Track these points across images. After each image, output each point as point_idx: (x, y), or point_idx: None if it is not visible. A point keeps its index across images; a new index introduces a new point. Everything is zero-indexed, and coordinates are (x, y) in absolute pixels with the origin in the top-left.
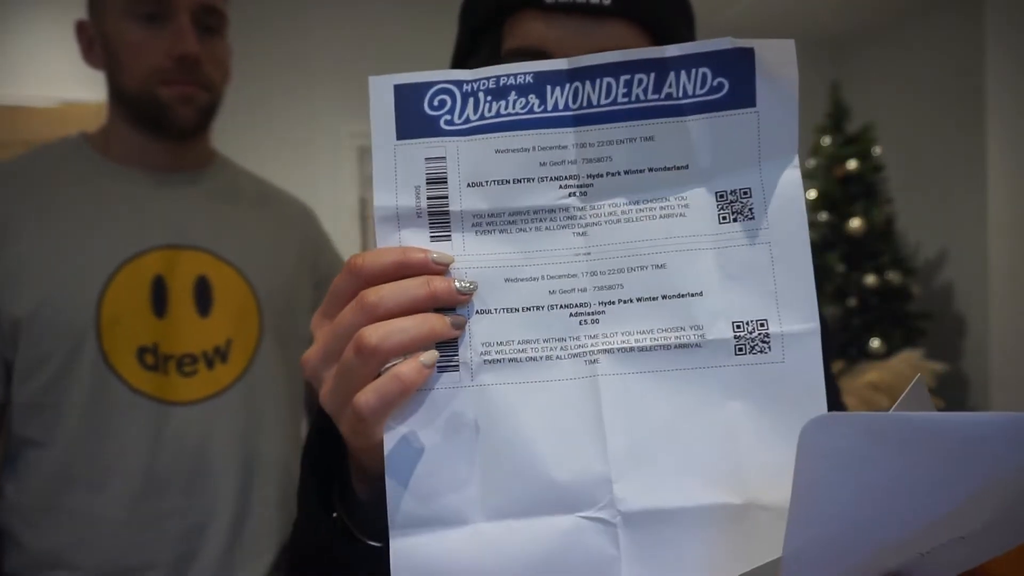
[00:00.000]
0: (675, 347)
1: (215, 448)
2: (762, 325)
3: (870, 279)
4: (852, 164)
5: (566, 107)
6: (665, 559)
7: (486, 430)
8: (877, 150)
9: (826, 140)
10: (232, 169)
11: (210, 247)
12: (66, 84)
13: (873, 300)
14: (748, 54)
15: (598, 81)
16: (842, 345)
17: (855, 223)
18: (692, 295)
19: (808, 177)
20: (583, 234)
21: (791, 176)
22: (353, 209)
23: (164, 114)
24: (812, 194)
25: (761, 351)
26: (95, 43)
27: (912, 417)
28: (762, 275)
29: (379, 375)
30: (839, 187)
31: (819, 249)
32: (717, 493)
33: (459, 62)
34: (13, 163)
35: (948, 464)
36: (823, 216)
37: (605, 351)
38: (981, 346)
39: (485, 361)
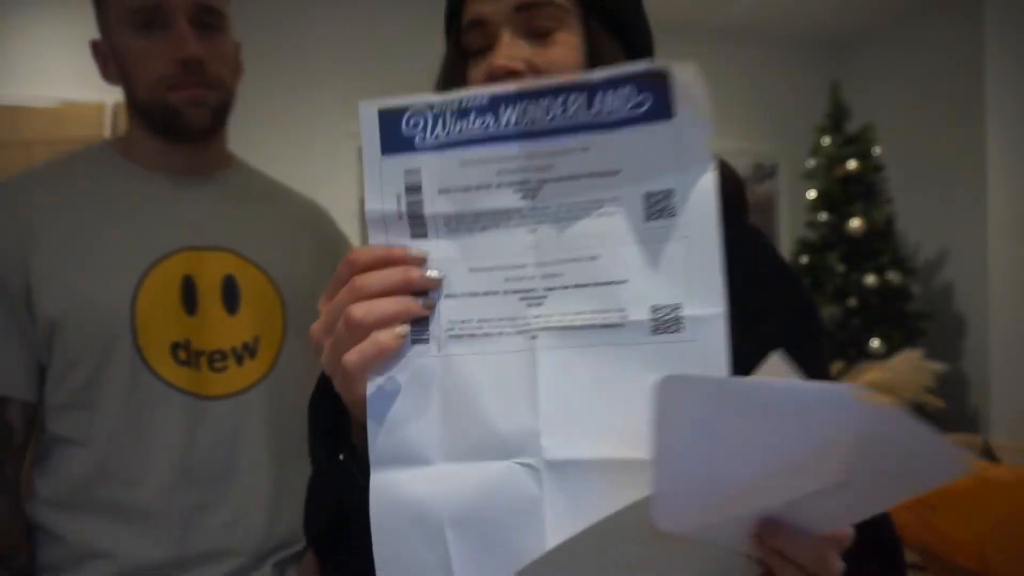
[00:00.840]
0: (602, 327)
1: (247, 441)
2: (676, 309)
3: (870, 279)
4: (852, 164)
5: (516, 124)
6: (579, 499)
7: (448, 390)
8: (877, 150)
9: (826, 140)
10: (248, 171)
11: (234, 247)
12: (66, 84)
13: (873, 300)
14: (664, 74)
15: (541, 102)
16: (842, 345)
17: (855, 223)
18: (619, 283)
19: (808, 177)
20: (533, 231)
21: (707, 179)
22: (352, 209)
23: (177, 119)
24: (812, 194)
25: (675, 331)
26: (108, 60)
27: (750, 384)
28: (678, 266)
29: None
30: (839, 187)
31: (819, 249)
32: (626, 449)
33: (446, 61)
34: (42, 168)
35: (782, 426)
36: (823, 216)
37: (545, 328)
38: (981, 346)
39: (450, 336)
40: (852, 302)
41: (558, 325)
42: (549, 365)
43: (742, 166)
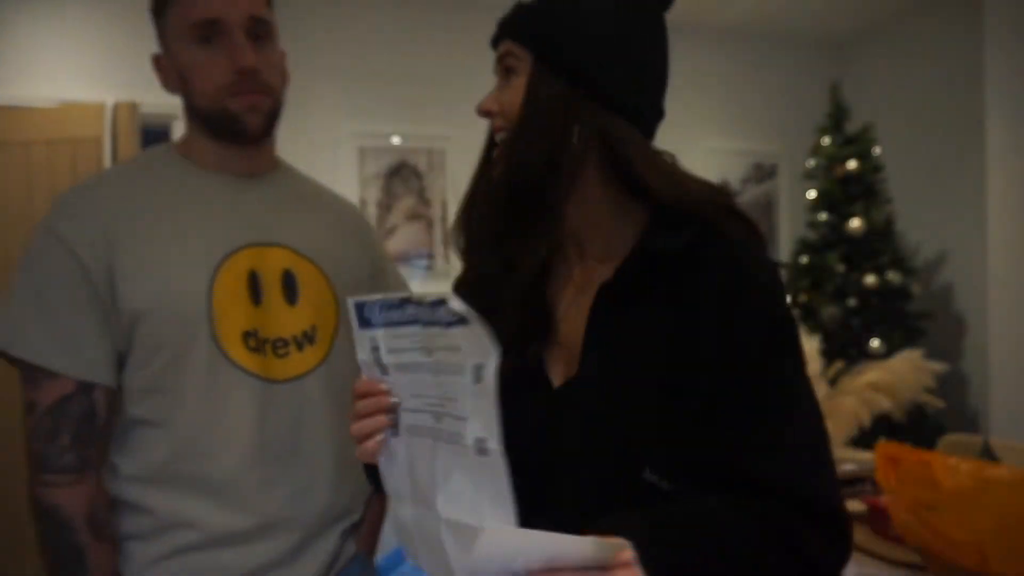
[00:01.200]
0: (456, 443)
1: (308, 421)
2: (484, 441)
3: (870, 279)
4: (852, 164)
5: (414, 316)
6: (451, 542)
7: (408, 460)
8: (877, 150)
9: (826, 140)
10: (294, 173)
11: (290, 243)
12: (66, 84)
13: (873, 300)
14: (445, 301)
15: (421, 306)
16: (842, 345)
17: (855, 223)
18: (464, 419)
19: (808, 177)
20: (433, 377)
21: (491, 363)
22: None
23: (236, 123)
24: (812, 194)
25: (485, 454)
26: (169, 72)
27: (533, 546)
28: (486, 415)
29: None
30: (839, 187)
31: (819, 249)
32: (469, 517)
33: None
34: (115, 172)
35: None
36: (823, 216)
37: (440, 436)
38: (981, 346)
39: (406, 428)
40: (852, 302)
41: (445, 434)
42: (441, 456)
43: (742, 166)
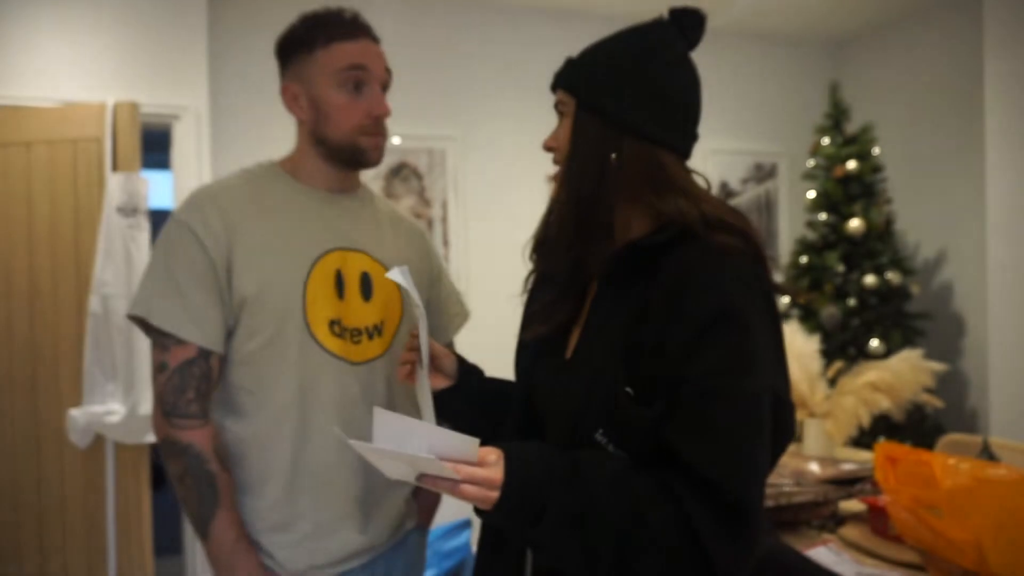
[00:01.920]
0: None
1: (375, 396)
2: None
3: (869, 279)
4: (852, 164)
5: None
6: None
7: (424, 384)
8: (876, 150)
9: (826, 140)
10: (371, 192)
11: (368, 250)
12: (67, 84)
13: (872, 300)
14: None
15: None
16: (842, 345)
17: (854, 223)
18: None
19: (808, 177)
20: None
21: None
22: None
23: (363, 156)
24: (812, 194)
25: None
26: (301, 101)
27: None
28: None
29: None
30: (838, 187)
31: (819, 249)
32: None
33: None
34: (231, 183)
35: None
36: (823, 216)
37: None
38: (980, 345)
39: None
40: (852, 302)
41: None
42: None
43: (742, 166)
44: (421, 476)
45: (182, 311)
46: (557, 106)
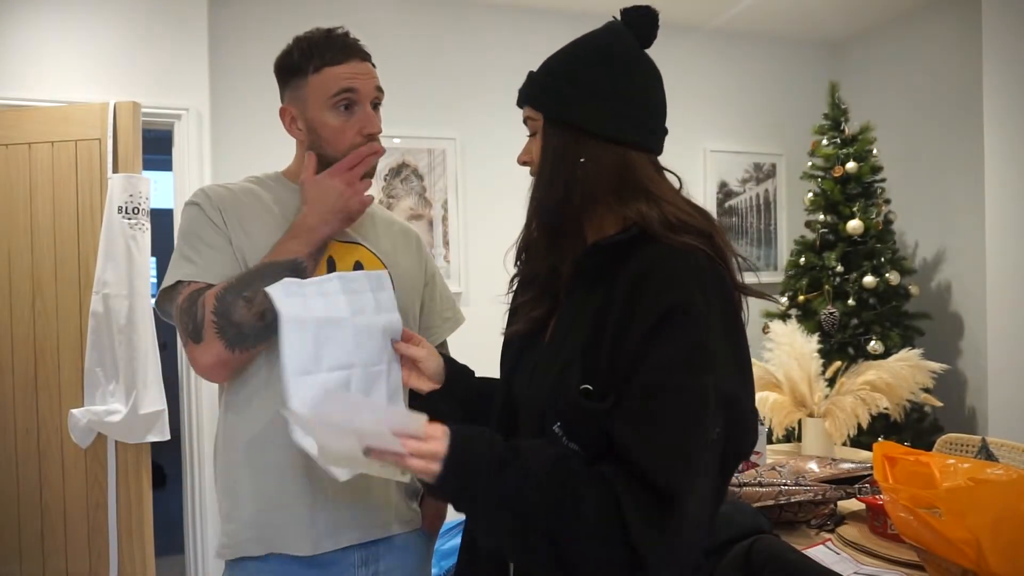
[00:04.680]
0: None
1: None
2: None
3: (868, 279)
4: (850, 165)
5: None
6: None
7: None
8: (875, 151)
9: (824, 141)
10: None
11: (363, 243)
12: (68, 85)
13: (871, 300)
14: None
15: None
16: (841, 345)
17: (853, 223)
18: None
19: (807, 177)
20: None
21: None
22: None
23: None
24: (810, 194)
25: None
26: (297, 121)
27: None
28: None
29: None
30: (837, 188)
31: (818, 249)
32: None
33: None
34: (241, 187)
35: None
36: (821, 216)
37: None
38: (979, 345)
39: None
40: (850, 302)
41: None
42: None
43: (741, 166)
44: (368, 450)
45: (195, 264)
46: (526, 122)
